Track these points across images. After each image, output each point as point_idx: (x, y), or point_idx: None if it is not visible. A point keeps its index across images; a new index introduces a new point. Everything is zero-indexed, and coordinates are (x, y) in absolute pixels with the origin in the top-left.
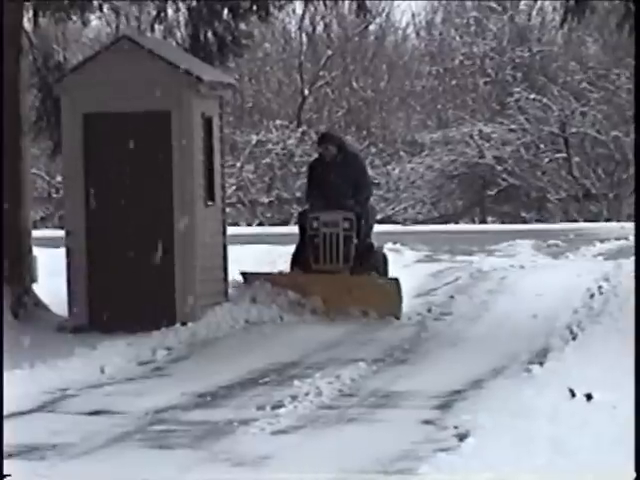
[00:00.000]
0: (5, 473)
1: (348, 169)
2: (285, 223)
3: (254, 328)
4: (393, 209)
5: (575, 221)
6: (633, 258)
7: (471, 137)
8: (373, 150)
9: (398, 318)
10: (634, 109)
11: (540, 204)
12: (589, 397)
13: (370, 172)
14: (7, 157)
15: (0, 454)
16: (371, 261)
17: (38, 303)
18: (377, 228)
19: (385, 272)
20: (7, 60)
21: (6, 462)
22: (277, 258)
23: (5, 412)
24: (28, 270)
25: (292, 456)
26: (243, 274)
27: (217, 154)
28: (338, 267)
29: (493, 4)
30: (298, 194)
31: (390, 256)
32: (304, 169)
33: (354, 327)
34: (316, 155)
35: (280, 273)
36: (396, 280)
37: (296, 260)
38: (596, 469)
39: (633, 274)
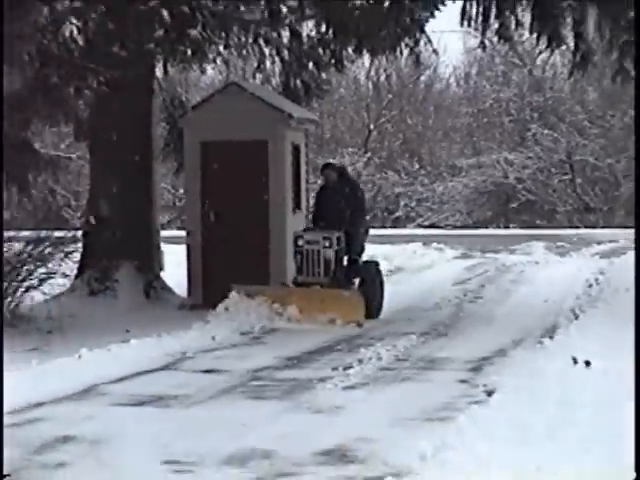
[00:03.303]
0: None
1: (347, 193)
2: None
3: None
4: (437, 217)
5: (577, 228)
6: (623, 257)
7: (498, 162)
8: (423, 172)
9: (361, 325)
10: (634, 116)
11: (551, 214)
12: (588, 364)
13: (420, 189)
14: (141, 174)
15: (0, 454)
16: (354, 274)
17: (165, 287)
18: (425, 231)
19: (376, 282)
20: (141, 99)
21: (138, 409)
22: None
23: (137, 370)
24: (157, 261)
25: (359, 407)
26: (232, 287)
27: (303, 173)
28: (319, 279)
29: (516, 60)
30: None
31: (434, 253)
32: (369, 186)
33: (404, 310)
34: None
35: (265, 287)
36: (360, 293)
37: None
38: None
39: (622, 269)
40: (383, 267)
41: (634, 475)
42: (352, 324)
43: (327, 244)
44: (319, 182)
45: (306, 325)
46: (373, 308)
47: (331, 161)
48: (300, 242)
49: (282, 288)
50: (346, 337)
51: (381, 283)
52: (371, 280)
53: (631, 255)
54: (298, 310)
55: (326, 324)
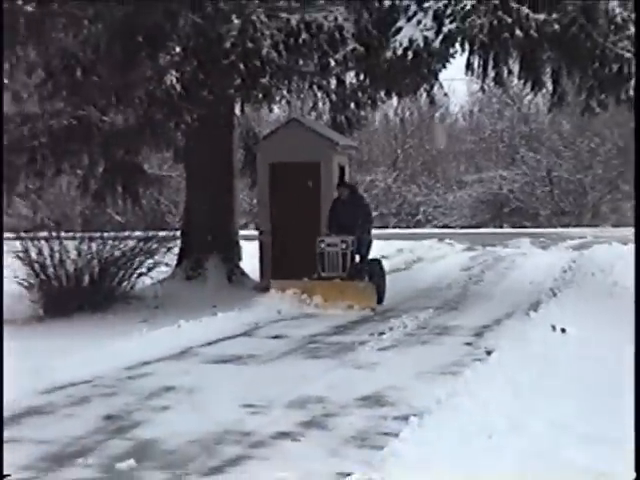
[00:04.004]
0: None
1: (356, 206)
2: (385, 227)
3: None
4: (448, 219)
5: (555, 227)
6: (590, 249)
7: (494, 178)
8: (437, 185)
9: (374, 310)
10: (634, 114)
11: (534, 217)
12: (564, 330)
13: (435, 198)
14: (224, 188)
15: (0, 455)
16: (364, 269)
17: (242, 273)
18: (439, 230)
19: (381, 276)
20: (224, 131)
21: (222, 366)
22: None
23: (221, 336)
24: (237, 254)
25: (390, 363)
26: (269, 282)
27: None
28: (338, 274)
29: (508, 100)
30: (394, 210)
31: (446, 247)
32: (397, 196)
33: (424, 290)
34: (337, 195)
35: (296, 281)
36: (371, 284)
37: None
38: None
39: (589, 258)
40: (408, 258)
41: (634, 475)
42: (367, 309)
43: (344, 246)
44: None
45: (330, 310)
46: (379, 296)
47: (343, 180)
48: (322, 245)
49: (309, 282)
50: (378, 312)
51: (383, 276)
52: (377, 275)
53: (596, 248)
54: (323, 299)
55: (346, 309)
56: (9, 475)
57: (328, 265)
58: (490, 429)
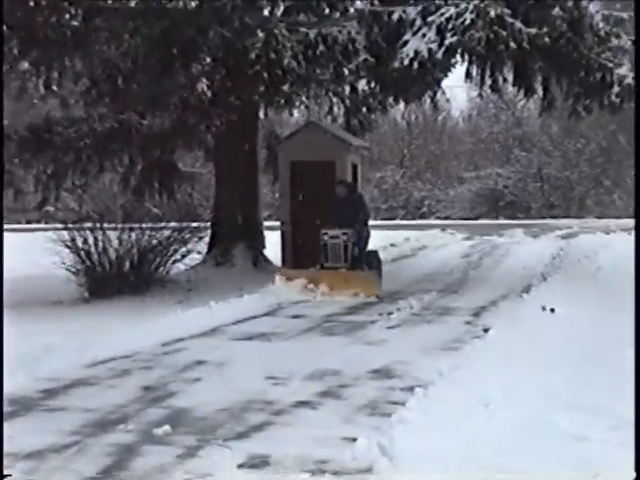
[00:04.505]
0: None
1: (354, 202)
2: (393, 218)
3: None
4: (450, 212)
5: (545, 219)
6: (576, 238)
7: (491, 175)
8: (440, 181)
9: (378, 297)
10: (634, 114)
11: (527, 210)
12: (553, 310)
13: (438, 193)
14: (249, 184)
15: (0, 455)
16: (364, 260)
17: (266, 259)
18: (442, 222)
19: (378, 266)
20: (250, 133)
21: (248, 342)
22: (387, 239)
23: (247, 316)
24: (260, 242)
25: (397, 340)
26: (277, 271)
27: (359, 183)
28: (340, 264)
29: (503, 105)
30: (401, 203)
31: (448, 236)
32: (404, 191)
33: (428, 275)
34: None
35: (302, 270)
36: (375, 273)
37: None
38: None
39: (576, 246)
40: (414, 246)
41: (634, 475)
42: (372, 296)
43: (345, 238)
44: (369, 188)
45: (336, 297)
46: None
47: (342, 178)
48: (325, 237)
49: (315, 271)
50: (387, 293)
51: (379, 266)
52: (375, 265)
53: (581, 237)
54: (329, 287)
55: (351, 297)
56: (9, 475)
57: (331, 256)
58: (487, 399)
